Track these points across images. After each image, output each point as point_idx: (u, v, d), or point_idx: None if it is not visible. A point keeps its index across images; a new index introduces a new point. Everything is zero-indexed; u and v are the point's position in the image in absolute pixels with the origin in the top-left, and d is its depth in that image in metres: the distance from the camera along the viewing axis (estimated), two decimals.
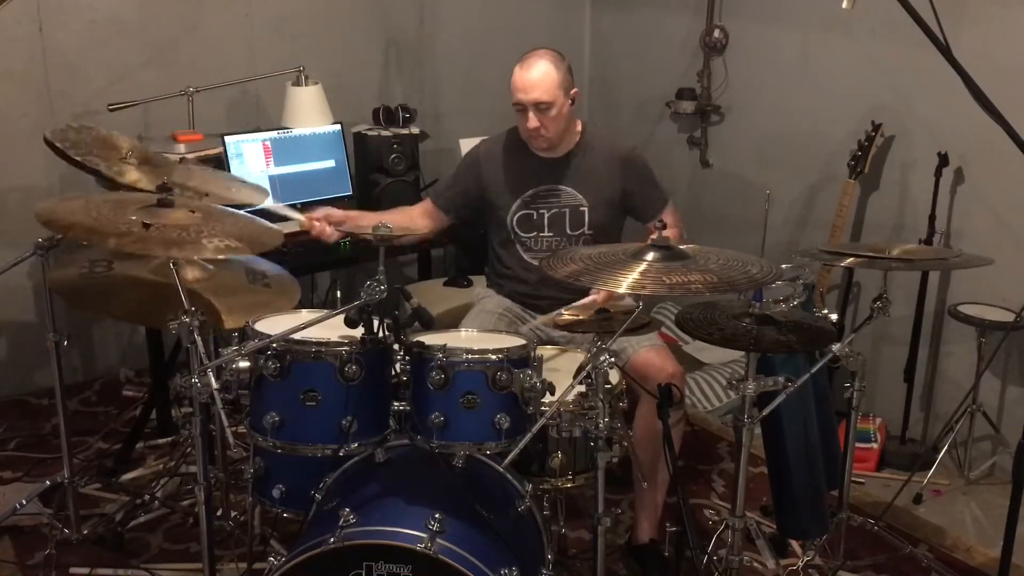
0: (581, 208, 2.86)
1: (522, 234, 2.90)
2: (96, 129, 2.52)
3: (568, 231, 2.88)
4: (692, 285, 1.90)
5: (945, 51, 1.94)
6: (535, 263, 2.88)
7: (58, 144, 2.28)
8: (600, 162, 2.86)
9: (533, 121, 2.75)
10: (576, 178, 2.86)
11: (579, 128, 2.90)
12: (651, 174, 2.94)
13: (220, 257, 2.40)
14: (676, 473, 2.19)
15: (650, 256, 2.01)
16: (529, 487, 2.18)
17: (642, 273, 1.94)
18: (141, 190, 2.37)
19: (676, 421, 2.57)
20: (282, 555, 1.96)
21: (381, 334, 2.00)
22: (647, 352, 2.69)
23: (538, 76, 2.72)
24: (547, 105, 2.73)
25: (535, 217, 2.88)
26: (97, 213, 2.05)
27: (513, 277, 2.95)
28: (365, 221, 2.78)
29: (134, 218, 2.05)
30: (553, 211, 2.87)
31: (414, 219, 3.02)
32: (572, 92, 2.81)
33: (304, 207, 3.75)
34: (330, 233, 2.74)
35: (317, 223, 2.73)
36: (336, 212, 2.81)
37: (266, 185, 3.62)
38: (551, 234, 2.88)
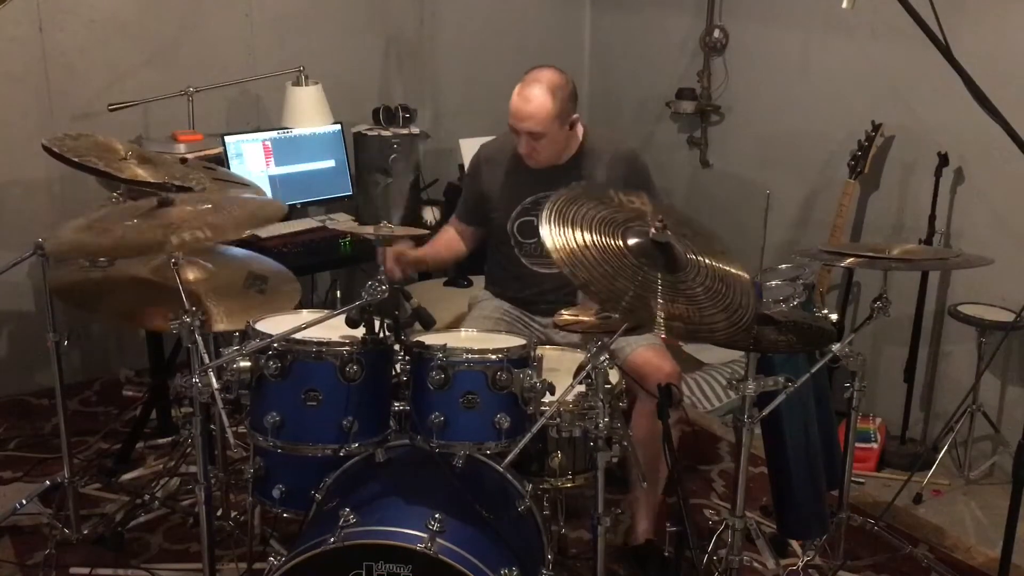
0: None
1: (523, 240, 2.89)
2: (93, 136, 2.53)
3: None
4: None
5: (945, 51, 1.94)
6: (534, 269, 2.88)
7: (56, 149, 2.29)
8: (602, 165, 2.83)
9: (524, 147, 2.73)
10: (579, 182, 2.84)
11: (580, 132, 2.86)
12: (649, 176, 2.92)
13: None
14: (676, 473, 2.19)
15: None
16: (529, 487, 2.18)
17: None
18: (144, 183, 2.37)
19: (675, 422, 2.56)
20: (282, 555, 1.96)
21: (382, 334, 2.00)
22: (645, 351, 2.68)
23: (532, 108, 2.66)
24: (540, 135, 2.70)
25: (535, 223, 2.86)
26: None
27: (512, 282, 2.94)
28: (424, 252, 2.84)
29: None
30: None
31: (456, 243, 3.01)
32: (571, 119, 2.76)
33: (304, 207, 3.82)
34: (399, 274, 2.70)
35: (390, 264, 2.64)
36: (407, 253, 2.75)
37: (266, 185, 3.63)
38: None
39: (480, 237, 3.02)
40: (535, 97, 2.66)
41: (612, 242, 1.93)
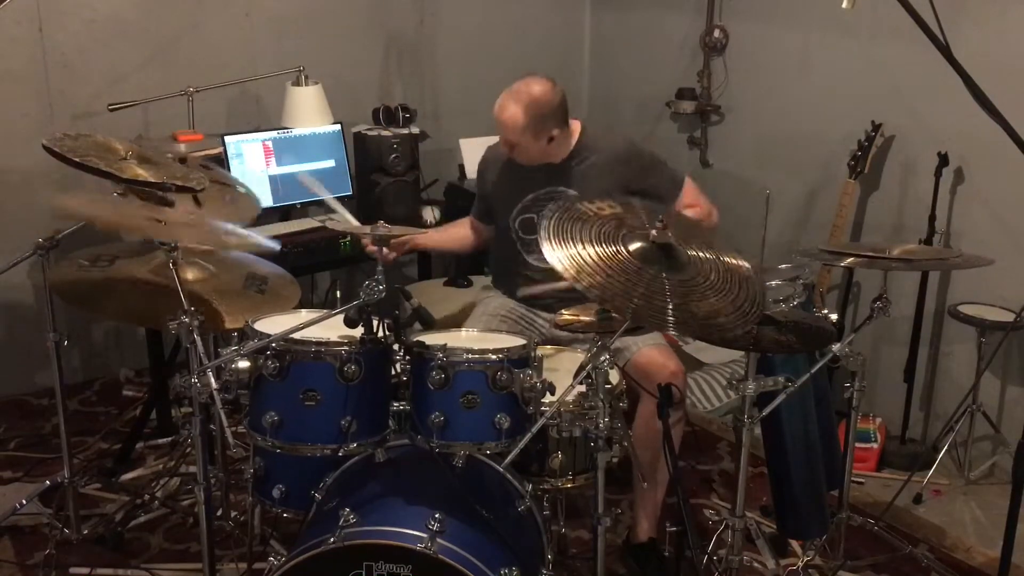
0: None
1: (525, 237, 2.90)
2: (92, 136, 2.53)
3: None
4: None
5: (945, 51, 1.93)
6: (538, 265, 2.88)
7: (56, 149, 2.28)
8: (600, 162, 2.84)
9: (503, 147, 2.83)
10: (576, 180, 2.84)
11: (577, 131, 2.86)
12: (655, 161, 2.90)
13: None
14: (676, 473, 2.19)
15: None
16: (529, 487, 2.18)
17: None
18: (145, 183, 2.36)
19: (676, 421, 2.57)
20: (282, 555, 1.96)
21: (381, 334, 2.00)
22: (649, 350, 2.68)
23: (505, 118, 2.73)
24: (512, 144, 2.78)
25: (536, 220, 2.87)
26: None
27: (516, 277, 2.94)
28: (421, 240, 3.08)
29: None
30: None
31: (463, 233, 3.15)
32: (550, 134, 2.75)
33: (304, 207, 3.81)
34: (390, 257, 2.78)
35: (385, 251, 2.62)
36: (401, 239, 2.82)
37: (266, 185, 3.63)
38: None
39: (491, 235, 3.10)
40: (508, 110, 2.73)
41: (617, 250, 1.94)
